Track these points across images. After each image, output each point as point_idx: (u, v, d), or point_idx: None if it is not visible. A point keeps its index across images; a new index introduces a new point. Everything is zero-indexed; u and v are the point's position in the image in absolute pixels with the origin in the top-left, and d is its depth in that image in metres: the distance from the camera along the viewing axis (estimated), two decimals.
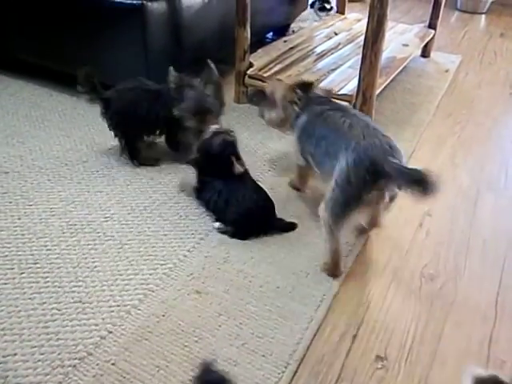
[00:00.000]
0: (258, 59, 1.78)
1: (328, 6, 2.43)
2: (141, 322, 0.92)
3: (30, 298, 0.95)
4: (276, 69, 1.73)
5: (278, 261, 1.08)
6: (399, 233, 1.21)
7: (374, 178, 0.94)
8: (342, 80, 1.66)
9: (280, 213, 1.23)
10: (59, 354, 0.85)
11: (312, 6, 2.42)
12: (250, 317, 0.95)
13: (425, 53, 2.28)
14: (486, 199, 1.34)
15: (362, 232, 1.16)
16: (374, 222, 1.14)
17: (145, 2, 1.44)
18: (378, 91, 1.58)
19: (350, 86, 1.60)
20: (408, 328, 0.96)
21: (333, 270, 1.05)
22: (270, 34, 2.38)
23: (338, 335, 0.94)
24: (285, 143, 1.54)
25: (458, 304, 1.01)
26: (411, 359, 0.90)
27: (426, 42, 2.16)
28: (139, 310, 0.95)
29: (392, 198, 1.02)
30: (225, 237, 1.14)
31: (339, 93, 1.58)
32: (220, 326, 0.93)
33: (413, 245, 1.17)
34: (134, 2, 1.45)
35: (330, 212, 0.99)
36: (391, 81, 1.81)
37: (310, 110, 1.15)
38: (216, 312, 0.95)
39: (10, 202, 1.21)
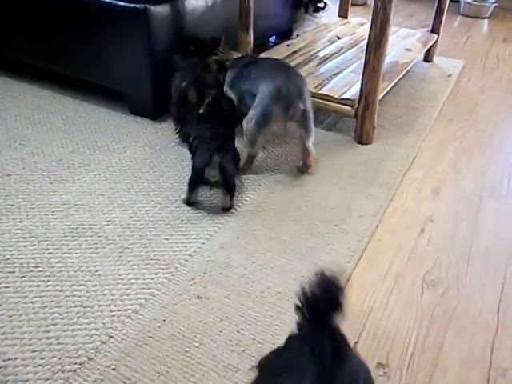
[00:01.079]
0: None
1: (321, 5, 2.42)
2: (142, 327, 0.92)
3: (31, 302, 0.95)
4: None
5: (280, 266, 1.08)
6: (401, 238, 1.20)
7: (285, 105, 1.26)
8: (345, 84, 1.66)
9: (281, 217, 1.23)
10: (60, 358, 0.85)
11: (306, 11, 2.41)
12: (251, 322, 0.95)
13: (427, 57, 2.28)
14: (489, 205, 1.34)
15: (300, 171, 1.41)
16: (304, 163, 1.40)
17: (148, 5, 1.45)
18: (380, 96, 1.58)
19: (353, 91, 1.60)
20: (410, 335, 0.95)
21: (243, 170, 1.36)
22: (272, 38, 2.38)
23: None
24: (286, 147, 1.54)
25: (459, 311, 1.01)
26: (413, 366, 0.89)
27: (428, 46, 2.16)
28: (140, 314, 0.95)
29: (303, 138, 1.35)
30: (227, 241, 1.14)
31: (342, 97, 1.58)
32: (221, 331, 0.92)
33: (414, 251, 1.17)
34: (137, 5, 1.45)
35: (253, 123, 1.27)
36: (394, 85, 1.81)
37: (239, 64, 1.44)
38: (217, 317, 0.95)
39: (12, 205, 1.21)
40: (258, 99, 1.30)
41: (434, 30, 2.22)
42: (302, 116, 1.29)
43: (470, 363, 0.90)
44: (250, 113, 1.29)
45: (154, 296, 0.99)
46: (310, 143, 1.36)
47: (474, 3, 3.23)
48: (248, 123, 1.29)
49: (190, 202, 1.25)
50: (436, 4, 2.16)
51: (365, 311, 1.00)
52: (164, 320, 0.93)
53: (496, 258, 1.16)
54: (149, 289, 1.00)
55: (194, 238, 1.15)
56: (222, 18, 1.74)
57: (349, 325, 0.96)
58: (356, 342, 0.93)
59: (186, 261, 1.08)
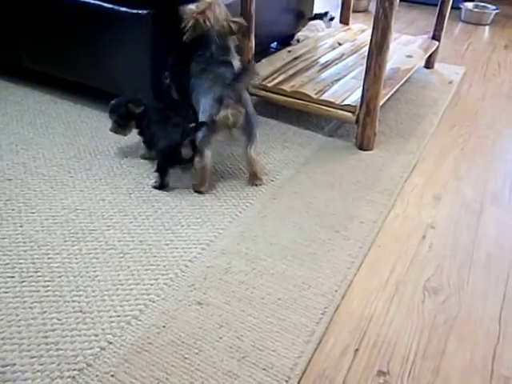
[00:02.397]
0: (262, 69, 1.78)
1: (331, 16, 2.45)
2: (141, 333, 0.92)
3: (30, 307, 0.95)
4: (280, 79, 1.74)
5: (280, 272, 1.08)
6: (402, 245, 1.20)
7: (225, 111, 1.24)
8: (346, 91, 1.67)
9: (282, 223, 1.23)
10: (58, 364, 0.85)
11: (320, 17, 2.42)
12: (251, 329, 0.94)
13: (428, 64, 2.28)
14: (490, 212, 1.33)
15: (250, 183, 1.38)
16: (251, 174, 1.37)
17: (151, 10, 1.45)
18: (381, 102, 1.58)
19: (354, 97, 1.61)
20: (411, 342, 0.95)
21: (198, 186, 1.32)
22: (274, 44, 2.39)
23: (339, 349, 0.93)
24: (287, 153, 1.54)
25: (461, 318, 1.01)
26: (414, 374, 0.89)
27: (429, 53, 2.17)
28: (140, 320, 0.94)
29: (245, 144, 1.33)
30: (227, 247, 1.14)
31: (343, 103, 1.58)
32: (221, 337, 0.92)
33: (416, 257, 1.16)
34: (140, 11, 1.46)
35: (198, 135, 1.27)
36: (395, 92, 1.81)
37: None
38: (217, 324, 0.95)
39: (13, 210, 1.21)
40: (200, 112, 1.31)
41: (435, 36, 2.22)
42: (245, 121, 1.28)
43: (472, 372, 0.90)
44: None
45: (154, 302, 0.98)
46: (253, 151, 1.32)
47: (475, 10, 3.24)
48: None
49: (166, 185, 1.33)
50: (437, 11, 2.17)
51: (366, 318, 0.99)
52: (163, 326, 0.93)
53: (497, 265, 1.15)
54: (148, 295, 1.00)
55: (194, 244, 1.14)
56: None
57: (349, 332, 0.96)
58: (357, 349, 0.93)
59: (186, 266, 1.08)
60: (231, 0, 1.75)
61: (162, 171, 1.32)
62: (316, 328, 0.95)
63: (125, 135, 1.45)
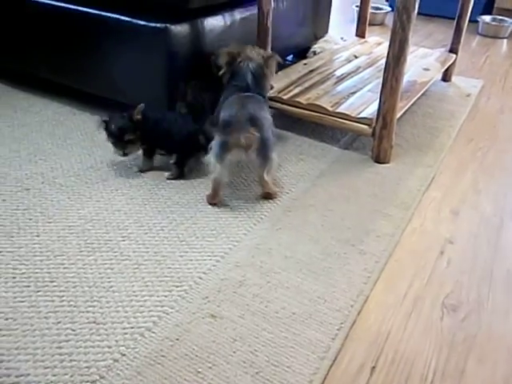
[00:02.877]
0: (278, 81, 1.79)
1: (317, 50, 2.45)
2: (154, 346, 0.91)
3: (45, 317, 0.95)
4: (296, 91, 1.74)
5: (295, 286, 1.07)
6: (420, 260, 1.18)
7: (237, 133, 1.25)
8: (362, 103, 1.66)
9: (297, 236, 1.22)
10: (72, 376, 0.84)
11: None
12: (265, 343, 0.93)
13: (446, 77, 2.27)
14: (510, 227, 1.30)
15: (263, 197, 1.38)
16: (264, 191, 1.37)
17: (168, 24, 1.47)
18: (398, 115, 1.57)
19: (370, 110, 1.60)
20: (429, 361, 0.92)
21: (211, 198, 1.32)
22: (290, 57, 2.40)
23: (356, 366, 0.91)
24: (303, 166, 1.54)
25: (481, 337, 0.98)
26: None
27: (447, 66, 2.15)
28: (153, 332, 0.93)
29: (258, 167, 1.32)
30: (242, 259, 1.13)
31: (359, 116, 1.57)
32: (234, 352, 0.91)
33: (434, 273, 1.14)
34: (158, 24, 1.48)
35: (213, 152, 1.27)
36: (412, 105, 1.80)
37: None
38: (231, 337, 0.93)
39: (30, 219, 1.23)
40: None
41: (453, 49, 2.21)
42: (260, 144, 1.26)
43: None
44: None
45: (168, 314, 0.98)
46: (266, 174, 1.31)
47: (493, 23, 3.22)
48: (210, 152, 1.29)
49: (183, 175, 1.43)
50: (455, 24, 2.16)
51: (382, 334, 0.97)
52: (177, 339, 0.92)
53: None
54: (162, 306, 0.99)
55: (209, 256, 1.14)
56: (240, 37, 1.76)
57: (366, 348, 0.94)
58: (373, 367, 0.90)
59: (200, 278, 1.07)
60: (248, 13, 1.77)
61: (182, 161, 1.41)
62: (331, 344, 0.93)
63: (137, 150, 1.44)
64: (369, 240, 1.22)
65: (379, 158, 1.56)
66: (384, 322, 1.00)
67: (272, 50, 1.74)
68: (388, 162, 1.56)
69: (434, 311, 1.03)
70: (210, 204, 1.33)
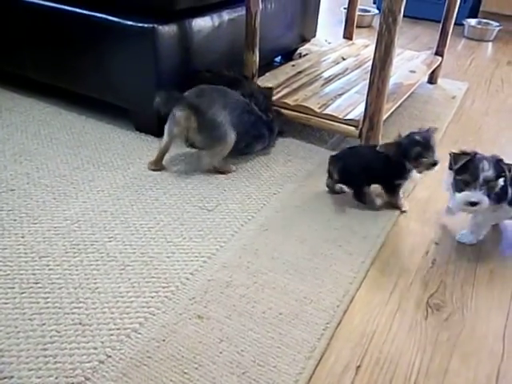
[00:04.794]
0: (266, 83, 1.79)
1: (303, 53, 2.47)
2: (140, 347, 0.91)
3: (29, 319, 0.94)
4: (283, 92, 1.75)
5: (282, 286, 1.07)
6: (405, 260, 1.19)
7: None
8: (349, 105, 1.67)
9: (284, 236, 1.22)
10: (56, 377, 0.84)
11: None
12: (251, 344, 0.93)
13: (432, 79, 2.29)
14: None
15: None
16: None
17: (155, 25, 1.47)
18: (384, 117, 1.58)
19: (357, 111, 1.61)
20: (413, 360, 0.93)
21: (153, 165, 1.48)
22: (278, 58, 2.41)
23: (341, 366, 0.91)
24: (290, 167, 1.54)
25: (464, 336, 0.99)
26: None
27: (433, 68, 2.18)
28: (139, 334, 0.93)
29: None
30: (229, 260, 1.13)
31: (346, 117, 1.58)
32: (221, 352, 0.91)
33: (418, 273, 1.15)
34: (146, 24, 1.48)
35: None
36: (398, 106, 1.82)
37: None
38: (217, 338, 0.94)
39: (15, 220, 1.21)
40: None
41: (439, 52, 2.24)
42: (199, 127, 1.40)
43: None
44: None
45: (154, 315, 0.97)
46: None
47: (478, 26, 3.27)
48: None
49: None
50: (440, 27, 2.18)
51: (368, 334, 0.98)
52: (163, 340, 0.92)
53: (501, 282, 1.14)
54: (149, 307, 0.99)
55: (196, 257, 1.14)
56: (228, 38, 1.76)
57: (351, 348, 0.95)
58: (358, 367, 0.91)
59: (187, 279, 1.07)
60: (236, 15, 1.77)
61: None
62: (317, 344, 0.94)
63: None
64: (355, 241, 1.23)
65: None
66: (369, 322, 1.01)
67: (260, 51, 1.74)
68: None
69: (418, 311, 1.05)
70: (152, 170, 1.47)
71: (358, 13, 2.48)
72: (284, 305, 1.02)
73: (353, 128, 1.57)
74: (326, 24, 3.11)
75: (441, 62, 2.24)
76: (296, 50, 2.38)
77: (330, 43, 2.48)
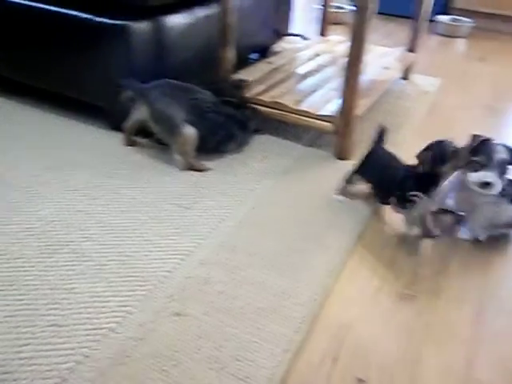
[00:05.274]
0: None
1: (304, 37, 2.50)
2: (118, 346, 0.90)
3: (4, 322, 0.93)
4: (259, 89, 1.75)
5: (260, 282, 1.08)
6: (380, 253, 1.21)
7: None
8: (324, 101, 1.69)
9: (261, 232, 1.23)
10: (32, 380, 0.83)
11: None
12: (229, 339, 0.94)
13: (405, 75, 2.33)
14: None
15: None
16: None
17: (128, 22, 1.46)
18: (360, 113, 1.61)
19: (332, 107, 1.63)
20: (389, 349, 0.96)
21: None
22: (254, 55, 2.41)
23: (318, 358, 0.93)
24: (267, 163, 1.55)
25: (437, 325, 1.02)
26: (392, 381, 0.89)
27: (406, 65, 2.21)
28: (117, 333, 0.93)
29: None
30: (207, 257, 1.14)
31: (321, 114, 1.60)
32: (199, 349, 0.91)
33: (393, 265, 1.18)
34: (118, 22, 1.46)
35: None
36: (373, 102, 1.85)
37: None
38: (195, 335, 0.94)
39: None
40: None
41: (411, 48, 2.27)
42: (153, 117, 1.49)
43: (448, 377, 0.91)
44: None
45: (132, 314, 0.97)
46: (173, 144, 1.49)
47: (450, 23, 3.33)
48: None
49: None
50: (412, 23, 2.22)
51: (344, 326, 1.00)
52: (141, 339, 0.92)
53: (472, 270, 1.18)
54: (126, 306, 0.99)
55: (174, 254, 1.14)
56: (203, 35, 1.76)
57: (328, 340, 0.97)
58: (335, 358, 0.93)
59: (165, 277, 1.07)
60: (212, 11, 1.77)
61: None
62: (295, 337, 0.95)
63: None
64: (332, 235, 1.25)
65: (341, 155, 1.60)
66: (346, 314, 1.03)
67: (236, 47, 1.74)
68: (350, 159, 1.60)
69: (393, 301, 1.07)
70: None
71: (333, 10, 2.50)
72: (262, 300, 1.03)
73: (328, 124, 1.58)
74: (301, 21, 3.13)
75: (414, 59, 2.28)
76: (271, 46, 2.38)
77: (305, 39, 2.49)
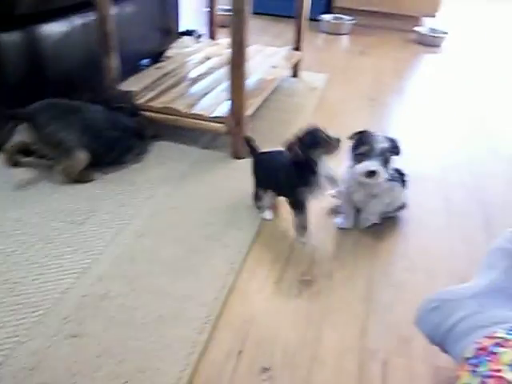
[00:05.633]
0: (130, 87, 1.76)
1: (199, 33, 2.52)
2: (9, 379, 0.84)
3: None
4: (149, 96, 1.73)
5: (160, 289, 1.07)
6: (278, 245, 1.26)
7: None
8: (216, 103, 1.71)
9: (161, 239, 1.22)
10: None
11: (189, 34, 2.47)
12: (132, 352, 0.92)
13: (294, 73, 2.44)
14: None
15: None
16: None
17: None
18: (251, 111, 1.65)
19: (223, 109, 1.66)
20: (290, 335, 1.00)
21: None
22: (146, 61, 2.37)
23: (223, 354, 0.94)
24: (163, 170, 1.54)
25: (333, 305, 1.08)
26: (294, 364, 0.94)
27: (293, 63, 2.32)
28: (7, 365, 0.86)
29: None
30: (104, 272, 1.10)
31: (213, 115, 1.62)
32: (100, 367, 0.88)
33: (291, 255, 1.23)
34: None
35: None
36: (264, 101, 1.91)
37: None
38: (95, 354, 0.91)
39: None
40: None
41: (297, 47, 2.39)
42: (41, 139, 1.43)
43: (344, 351, 0.97)
44: None
45: (22, 343, 0.91)
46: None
47: (333, 21, 3.55)
48: None
49: None
50: (295, 23, 2.33)
51: (248, 320, 1.03)
52: (32, 368, 0.86)
53: (363, 251, 1.27)
54: (16, 336, 0.92)
55: (67, 274, 1.09)
56: (83, 44, 1.70)
57: (232, 336, 0.99)
58: (240, 352, 0.95)
59: (59, 299, 1.02)
60: (91, 19, 1.71)
61: None
62: (199, 338, 0.96)
63: None
64: (231, 233, 1.27)
65: (237, 154, 1.63)
66: (248, 309, 1.06)
67: (120, 55, 1.70)
68: (245, 157, 1.63)
69: (292, 290, 1.12)
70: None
71: (222, 13, 2.54)
72: (163, 306, 1.02)
73: (220, 125, 1.61)
74: (193, 25, 3.13)
75: (300, 56, 2.39)
76: (163, 52, 2.36)
77: (200, 36, 2.49)
